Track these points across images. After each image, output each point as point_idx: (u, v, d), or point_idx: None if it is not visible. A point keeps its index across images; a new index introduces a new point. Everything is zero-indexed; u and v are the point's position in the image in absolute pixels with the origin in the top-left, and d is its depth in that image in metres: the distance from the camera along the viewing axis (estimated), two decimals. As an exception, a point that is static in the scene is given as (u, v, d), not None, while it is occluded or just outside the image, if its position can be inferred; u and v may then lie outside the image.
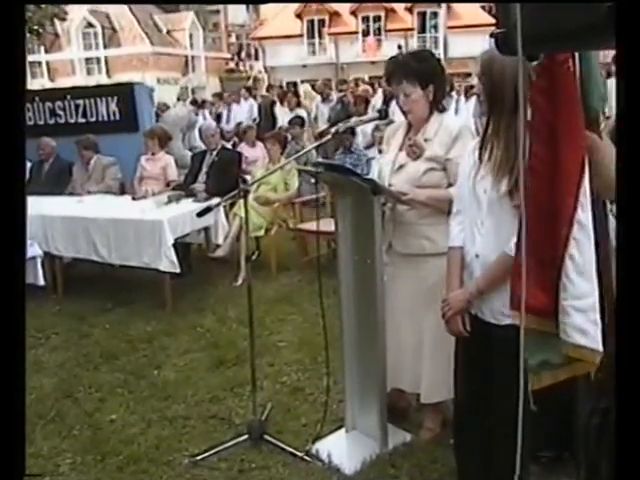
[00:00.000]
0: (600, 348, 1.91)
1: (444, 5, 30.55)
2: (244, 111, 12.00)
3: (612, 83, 1.76)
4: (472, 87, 10.48)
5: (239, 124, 11.03)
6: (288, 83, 22.57)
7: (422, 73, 2.84)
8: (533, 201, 1.85)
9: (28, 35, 15.94)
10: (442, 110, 2.94)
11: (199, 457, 3.01)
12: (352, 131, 6.38)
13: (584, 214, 1.83)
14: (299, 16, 32.45)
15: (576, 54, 1.73)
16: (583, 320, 1.88)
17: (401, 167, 2.91)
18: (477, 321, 2.28)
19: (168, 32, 36.58)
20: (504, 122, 2.12)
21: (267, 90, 15.15)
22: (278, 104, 11.97)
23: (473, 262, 2.26)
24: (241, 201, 3.41)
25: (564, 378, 1.95)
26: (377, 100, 10.33)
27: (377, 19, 31.83)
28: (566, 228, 1.81)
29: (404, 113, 2.95)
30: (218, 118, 12.12)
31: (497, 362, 2.15)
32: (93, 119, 7.52)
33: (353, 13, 31.84)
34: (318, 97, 11.85)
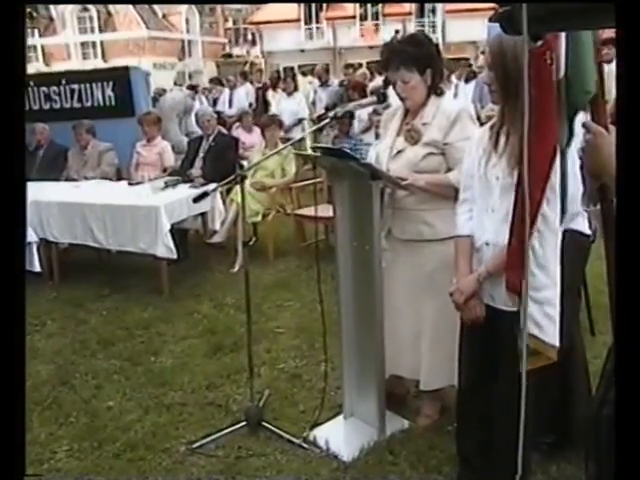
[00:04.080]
0: (553, 342, 1.96)
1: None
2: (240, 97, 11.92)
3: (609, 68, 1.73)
4: (473, 72, 10.42)
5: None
6: (285, 68, 22.45)
7: (419, 58, 2.79)
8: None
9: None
10: (440, 94, 2.89)
11: (196, 444, 2.99)
12: (351, 116, 6.32)
13: (549, 208, 1.88)
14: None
15: (562, 42, 1.71)
16: (538, 311, 1.95)
17: (399, 152, 2.87)
18: (487, 308, 2.27)
19: (164, 16, 36.35)
20: (521, 108, 2.08)
21: (260, 75, 14.93)
22: (271, 89, 11.89)
23: (483, 249, 2.25)
24: (238, 187, 3.39)
25: (539, 366, 1.97)
26: (377, 85, 10.25)
27: (375, 3, 31.60)
28: (531, 220, 1.85)
29: (402, 99, 2.91)
30: (214, 103, 12.04)
31: (505, 348, 2.14)
32: (89, 104, 7.45)
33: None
34: (314, 82, 11.80)
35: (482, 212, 2.26)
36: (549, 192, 1.88)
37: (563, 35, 1.71)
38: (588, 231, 2.54)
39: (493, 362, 2.25)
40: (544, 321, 1.96)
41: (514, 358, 1.96)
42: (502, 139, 2.19)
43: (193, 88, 12.83)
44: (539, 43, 1.58)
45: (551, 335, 1.97)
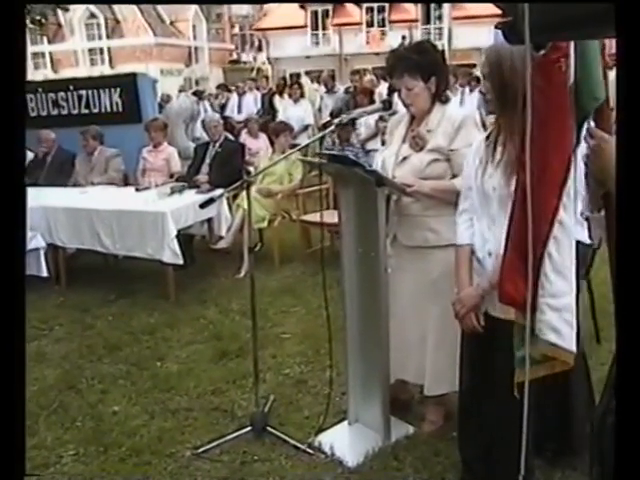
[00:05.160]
0: (571, 347, 1.94)
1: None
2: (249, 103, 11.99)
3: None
4: (477, 79, 10.39)
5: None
6: (292, 74, 22.52)
7: (423, 66, 2.81)
8: (522, 198, 1.87)
9: (31, 26, 15.85)
10: (445, 101, 2.91)
11: (201, 449, 3.00)
12: (352, 124, 6.33)
13: (566, 214, 1.87)
14: (303, 7, 32.31)
15: (571, 48, 1.71)
16: (557, 319, 1.92)
17: (404, 159, 2.89)
18: (485, 316, 2.28)
19: (171, 23, 36.51)
20: (517, 118, 2.09)
21: (266, 81, 15.03)
22: (277, 95, 11.95)
23: (486, 260, 2.25)
24: (244, 192, 3.40)
25: (542, 375, 1.96)
26: (382, 91, 10.27)
27: (381, 10, 31.66)
28: (547, 227, 1.84)
29: (406, 106, 2.93)
30: (223, 109, 12.10)
31: (505, 355, 2.14)
32: (96, 110, 7.50)
33: (357, 4, 31.69)
34: (321, 89, 11.82)
35: (482, 222, 2.26)
36: (566, 198, 1.87)
37: (572, 42, 1.71)
38: (587, 240, 2.54)
39: (493, 368, 2.25)
40: (564, 328, 1.94)
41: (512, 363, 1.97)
42: (498, 149, 2.20)
43: (197, 94, 12.87)
44: (542, 52, 1.59)
45: (569, 341, 1.95)
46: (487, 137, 2.29)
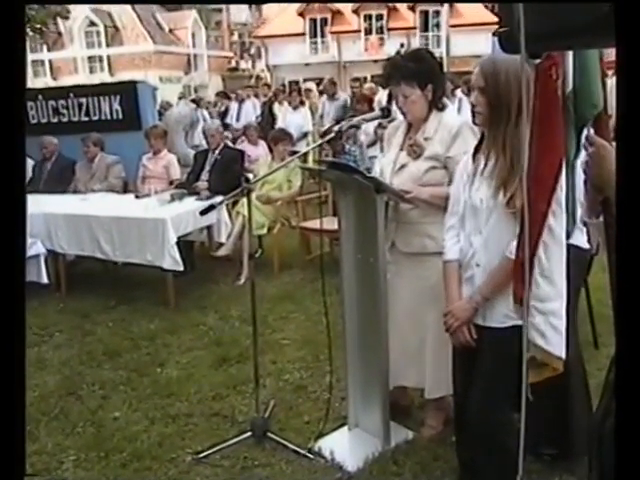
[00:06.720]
0: (557, 353, 1.95)
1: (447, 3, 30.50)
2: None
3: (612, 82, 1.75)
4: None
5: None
6: (290, 82, 22.59)
7: (420, 74, 2.83)
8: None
9: (31, 34, 15.92)
10: (441, 108, 2.93)
11: (202, 454, 3.01)
12: (340, 136, 6.34)
13: (555, 220, 1.89)
14: (301, 15, 32.43)
15: (570, 57, 1.74)
16: (543, 322, 1.95)
17: (402, 167, 2.91)
18: (476, 327, 2.30)
19: (170, 31, 36.60)
20: (509, 131, 2.12)
21: (267, 89, 15.08)
22: (277, 103, 11.98)
23: (474, 271, 2.27)
24: (244, 199, 3.43)
25: (546, 377, 1.97)
26: (382, 98, 10.29)
27: (379, 18, 31.77)
28: (537, 232, 1.86)
29: (403, 114, 2.95)
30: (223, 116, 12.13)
31: (500, 363, 2.16)
32: (96, 117, 7.51)
33: (355, 12, 31.80)
34: (320, 95, 11.84)
35: (470, 235, 2.29)
36: (555, 205, 1.89)
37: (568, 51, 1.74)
38: (586, 245, 2.57)
39: (482, 373, 2.27)
40: (549, 332, 1.96)
41: (509, 369, 1.99)
42: (483, 162, 2.24)
43: (195, 102, 12.89)
44: (537, 61, 1.61)
45: (556, 346, 1.96)
46: (474, 151, 2.31)
